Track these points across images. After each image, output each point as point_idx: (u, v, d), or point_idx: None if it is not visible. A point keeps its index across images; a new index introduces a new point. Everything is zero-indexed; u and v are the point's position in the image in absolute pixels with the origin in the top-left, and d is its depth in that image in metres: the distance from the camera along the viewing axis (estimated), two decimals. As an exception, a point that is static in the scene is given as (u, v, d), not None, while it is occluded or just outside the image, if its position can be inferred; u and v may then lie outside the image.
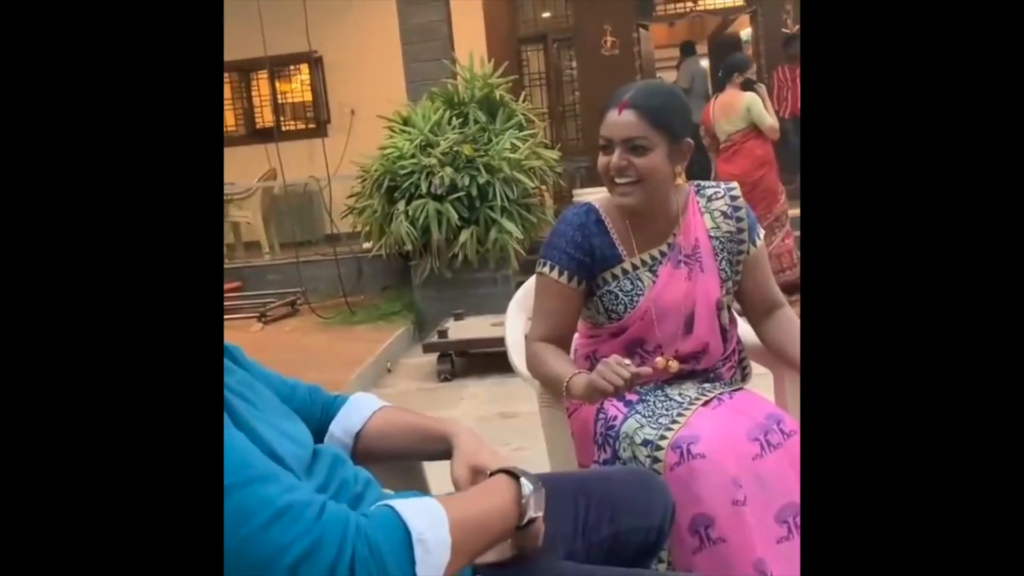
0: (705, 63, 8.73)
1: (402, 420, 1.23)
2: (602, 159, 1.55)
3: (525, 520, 0.97)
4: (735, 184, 1.68)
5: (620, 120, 1.51)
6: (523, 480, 0.98)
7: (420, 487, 1.31)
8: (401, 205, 4.99)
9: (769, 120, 4.83)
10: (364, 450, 1.21)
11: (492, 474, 1.03)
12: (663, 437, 1.44)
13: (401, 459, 1.28)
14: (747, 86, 4.96)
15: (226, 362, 1.01)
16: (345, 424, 1.22)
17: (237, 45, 5.76)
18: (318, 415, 1.23)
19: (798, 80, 6.50)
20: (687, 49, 8.65)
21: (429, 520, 0.88)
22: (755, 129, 4.86)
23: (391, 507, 0.89)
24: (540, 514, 0.98)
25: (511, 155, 4.99)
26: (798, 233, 5.02)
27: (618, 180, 1.53)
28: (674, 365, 1.58)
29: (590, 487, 1.16)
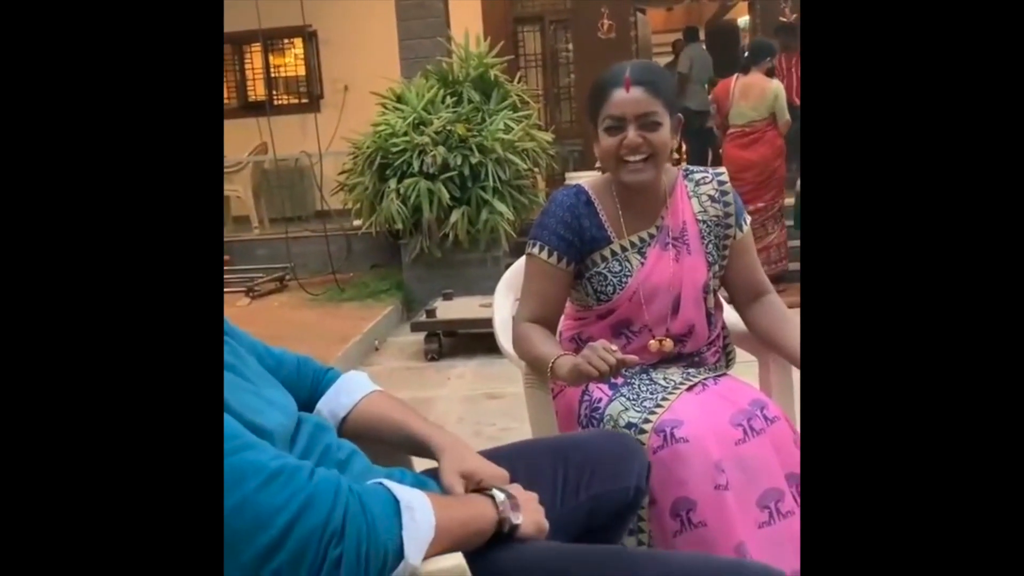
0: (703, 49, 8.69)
1: (390, 415, 1.22)
2: (610, 140, 1.53)
3: (508, 526, 1.01)
4: (723, 169, 1.69)
5: (631, 97, 1.50)
6: (494, 491, 1.03)
7: (404, 463, 1.31)
8: (392, 183, 4.96)
9: (787, 115, 4.79)
10: (349, 432, 1.22)
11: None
12: (647, 420, 1.45)
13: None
14: (770, 73, 4.92)
15: None
16: (333, 406, 1.23)
17: (231, 17, 5.65)
18: (307, 388, 1.24)
19: (794, 69, 6.47)
20: (690, 35, 8.61)
21: (416, 498, 0.93)
22: (774, 118, 4.82)
23: (379, 482, 0.95)
24: (520, 521, 1.02)
25: (504, 136, 4.97)
26: (789, 222, 5.02)
27: (630, 158, 1.52)
28: (668, 344, 1.58)
29: (568, 455, 1.19)
